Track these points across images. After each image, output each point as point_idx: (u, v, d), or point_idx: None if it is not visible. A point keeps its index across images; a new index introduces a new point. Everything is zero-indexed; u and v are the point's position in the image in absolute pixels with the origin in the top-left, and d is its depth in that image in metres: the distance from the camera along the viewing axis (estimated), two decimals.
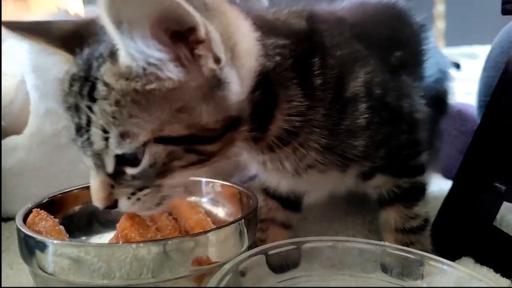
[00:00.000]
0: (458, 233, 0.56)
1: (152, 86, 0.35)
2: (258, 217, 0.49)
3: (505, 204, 0.55)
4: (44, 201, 0.50)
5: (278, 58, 0.42)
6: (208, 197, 0.56)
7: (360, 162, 0.48)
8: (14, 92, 0.70)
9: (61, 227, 0.47)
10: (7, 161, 0.64)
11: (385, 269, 0.43)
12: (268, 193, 0.58)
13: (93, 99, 0.36)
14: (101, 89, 0.35)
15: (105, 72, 0.35)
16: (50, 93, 0.62)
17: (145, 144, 0.36)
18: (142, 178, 0.38)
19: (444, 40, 2.82)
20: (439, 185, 0.76)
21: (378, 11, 0.57)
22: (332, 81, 0.44)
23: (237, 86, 0.39)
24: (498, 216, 0.57)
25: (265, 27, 0.42)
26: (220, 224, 0.45)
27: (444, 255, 0.45)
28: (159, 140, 0.36)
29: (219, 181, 0.56)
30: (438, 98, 0.62)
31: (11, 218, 0.64)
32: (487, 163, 0.54)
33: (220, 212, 0.56)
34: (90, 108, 0.36)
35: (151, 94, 0.35)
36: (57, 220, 0.48)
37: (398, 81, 0.50)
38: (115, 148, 0.36)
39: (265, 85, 0.41)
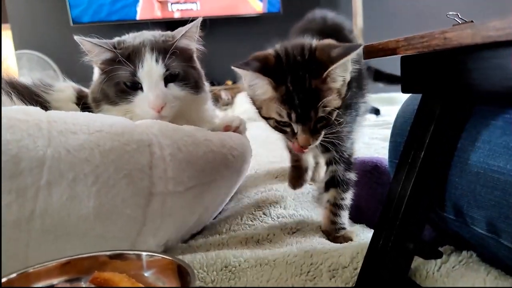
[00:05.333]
0: (379, 283, 0.62)
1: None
2: None
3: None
4: None
5: None
6: (150, 272, 0.57)
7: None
8: None
9: None
10: None
11: None
12: None
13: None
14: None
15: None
16: None
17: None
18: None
19: None
20: (366, 235, 0.85)
21: None
22: None
23: None
24: (412, 266, 0.64)
25: None
26: None
27: None
28: None
29: (159, 255, 0.57)
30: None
31: None
32: (398, 223, 0.61)
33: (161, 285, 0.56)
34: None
35: None
36: None
37: None
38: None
39: None
